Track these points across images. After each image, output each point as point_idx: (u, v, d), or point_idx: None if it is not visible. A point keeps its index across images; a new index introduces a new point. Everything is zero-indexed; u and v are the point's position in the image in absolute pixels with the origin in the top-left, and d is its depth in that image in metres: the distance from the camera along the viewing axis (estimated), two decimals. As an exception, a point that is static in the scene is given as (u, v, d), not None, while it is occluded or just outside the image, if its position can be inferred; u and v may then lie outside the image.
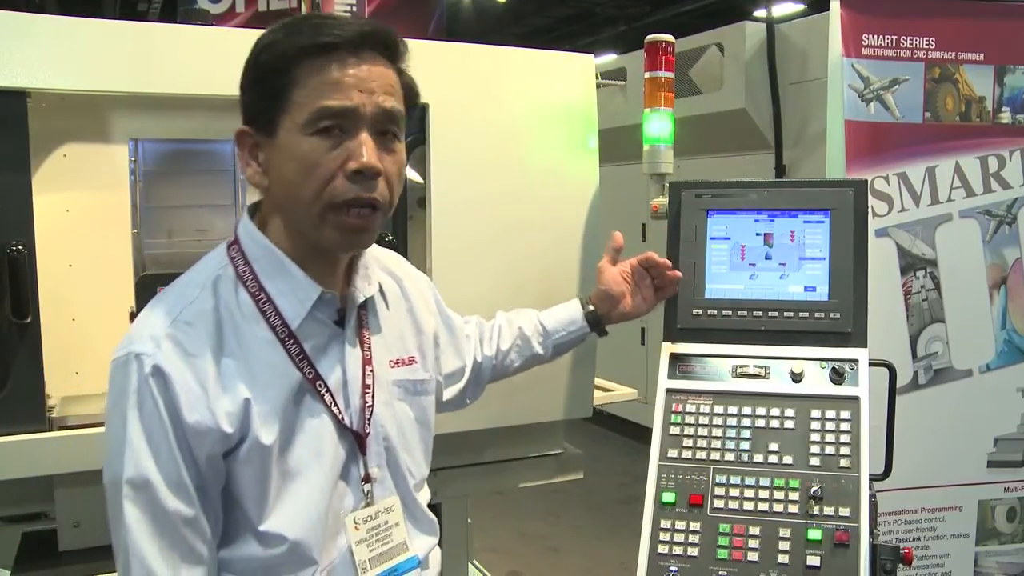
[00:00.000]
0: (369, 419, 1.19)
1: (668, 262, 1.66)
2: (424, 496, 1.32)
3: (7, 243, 1.59)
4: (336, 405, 1.15)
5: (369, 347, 1.22)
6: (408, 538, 1.24)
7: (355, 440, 1.18)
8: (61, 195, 1.85)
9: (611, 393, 2.35)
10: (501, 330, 1.63)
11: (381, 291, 1.28)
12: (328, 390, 1.15)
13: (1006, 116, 2.45)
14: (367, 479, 1.19)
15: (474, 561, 2.64)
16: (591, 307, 1.67)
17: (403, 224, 1.97)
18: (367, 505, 1.19)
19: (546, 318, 1.67)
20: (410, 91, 1.17)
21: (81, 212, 1.89)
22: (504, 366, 1.63)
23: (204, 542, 1.07)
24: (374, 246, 1.34)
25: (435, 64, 1.94)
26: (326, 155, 1.06)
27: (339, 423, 1.15)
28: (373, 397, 1.20)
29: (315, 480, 1.13)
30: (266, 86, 1.08)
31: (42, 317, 1.65)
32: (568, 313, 1.67)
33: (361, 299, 1.21)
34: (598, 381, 2.39)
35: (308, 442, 1.13)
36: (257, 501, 1.09)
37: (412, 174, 2.01)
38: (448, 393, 1.51)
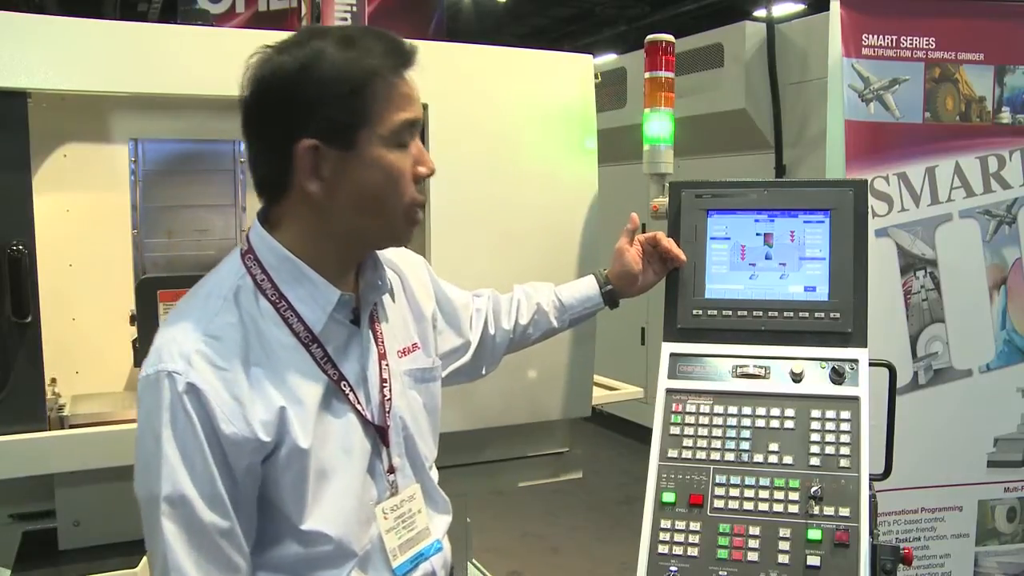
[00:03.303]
0: (388, 412, 1.24)
1: (668, 246, 1.71)
2: (435, 476, 1.38)
3: (8, 243, 1.59)
4: (359, 402, 1.19)
5: (383, 341, 1.27)
6: (429, 522, 1.30)
7: (378, 433, 1.22)
8: (61, 195, 1.85)
9: (616, 392, 2.35)
10: (520, 305, 1.69)
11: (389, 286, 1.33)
12: (352, 389, 1.19)
13: (1006, 116, 2.45)
14: (391, 470, 1.24)
15: (474, 561, 2.64)
16: (609, 286, 1.73)
17: (403, 224, 1.97)
18: (392, 495, 1.24)
19: (564, 294, 1.72)
20: None
21: (81, 212, 1.90)
22: (523, 338, 1.70)
23: (240, 553, 1.10)
24: None
25: (434, 64, 1.93)
26: (406, 163, 1.16)
27: (363, 419, 1.20)
28: (390, 390, 1.25)
29: (347, 476, 1.17)
30: (347, 104, 1.10)
31: (42, 317, 1.65)
32: (585, 290, 1.73)
33: (376, 298, 1.26)
34: (602, 379, 2.39)
35: (338, 441, 1.16)
36: (297, 503, 1.12)
37: (412, 174, 2.01)
38: (452, 367, 1.55)
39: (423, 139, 1.90)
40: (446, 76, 1.95)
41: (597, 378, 2.45)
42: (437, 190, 1.92)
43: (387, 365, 1.25)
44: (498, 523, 4.39)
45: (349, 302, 1.20)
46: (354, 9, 2.40)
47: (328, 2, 2.35)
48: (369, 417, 1.21)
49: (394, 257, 1.40)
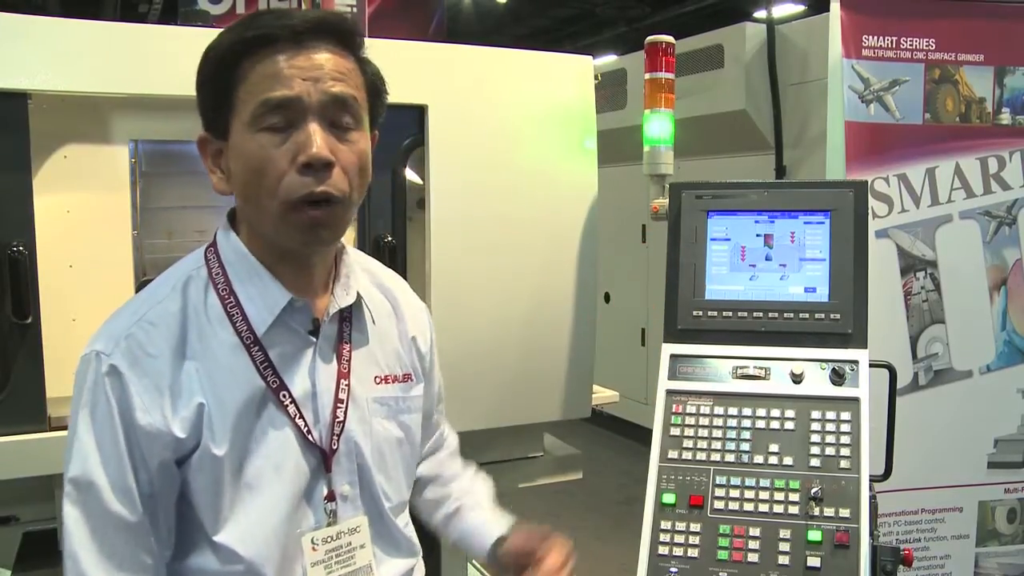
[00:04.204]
0: (339, 435, 1.12)
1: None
2: (403, 519, 1.24)
3: (8, 244, 1.59)
4: (302, 417, 1.09)
5: (348, 360, 1.15)
6: (375, 562, 1.17)
7: (321, 456, 1.11)
8: (62, 196, 1.85)
9: (594, 395, 2.34)
10: (435, 485, 1.39)
11: (366, 304, 1.20)
12: (293, 401, 1.09)
13: (1006, 117, 2.45)
14: (331, 497, 1.12)
15: (473, 561, 2.64)
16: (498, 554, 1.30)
17: (402, 225, 1.98)
18: (329, 525, 1.12)
19: (461, 520, 1.35)
20: (373, 80, 1.11)
21: (82, 213, 1.89)
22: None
23: (147, 551, 1.03)
24: (373, 262, 1.30)
25: (434, 65, 1.95)
26: (275, 151, 1.01)
27: (304, 437, 1.09)
28: (346, 412, 1.13)
29: (273, 494, 1.07)
30: (213, 88, 1.05)
31: (43, 317, 1.65)
32: (478, 538, 1.33)
33: (336, 309, 1.14)
34: None
35: (268, 454, 1.07)
36: (211, 511, 1.05)
37: (411, 175, 2.01)
38: None
39: (423, 140, 1.93)
40: (446, 77, 1.95)
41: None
42: (437, 192, 1.92)
43: (347, 385, 1.14)
44: (498, 524, 4.39)
45: (305, 310, 1.11)
46: (354, 10, 2.40)
47: (328, 4, 2.35)
48: (313, 437, 1.10)
49: (391, 285, 1.29)
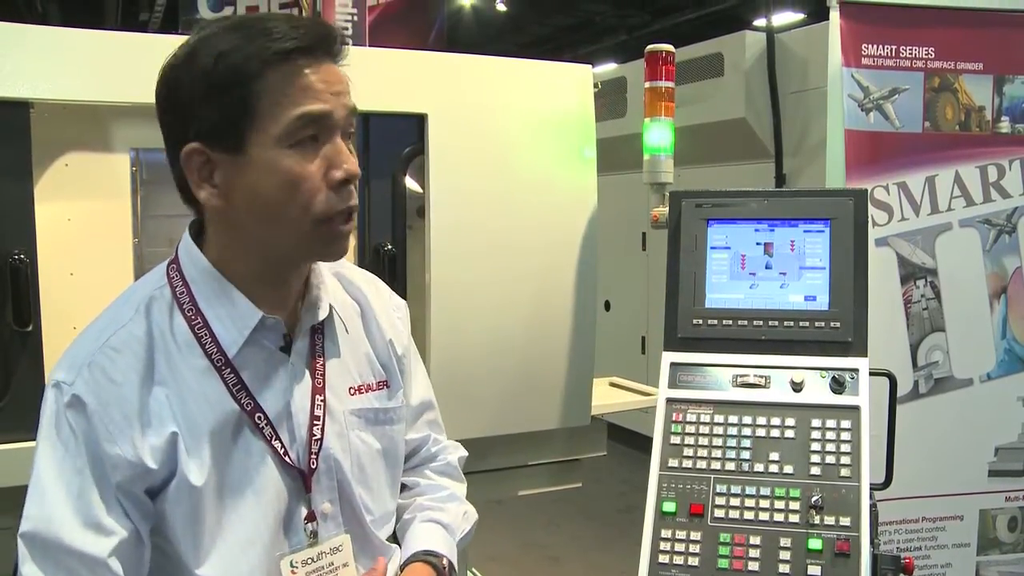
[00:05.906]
0: (317, 453, 1.10)
1: None
2: (386, 531, 1.22)
3: (9, 252, 1.60)
4: (278, 439, 1.07)
5: (322, 374, 1.12)
6: None
7: (300, 476, 1.09)
8: (63, 204, 1.86)
9: (649, 398, 2.35)
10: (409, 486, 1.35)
11: (337, 315, 1.18)
12: (269, 423, 1.06)
13: (1005, 125, 2.46)
14: (311, 518, 1.10)
15: (473, 570, 2.63)
16: None
17: (402, 234, 1.98)
18: (311, 545, 1.10)
19: (411, 537, 1.26)
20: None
21: (82, 221, 1.90)
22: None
23: None
24: (344, 264, 1.27)
25: (434, 74, 1.95)
26: (309, 167, 0.99)
27: (281, 459, 1.07)
28: (323, 429, 1.10)
29: (255, 521, 1.05)
30: (228, 98, 0.97)
31: (43, 325, 1.65)
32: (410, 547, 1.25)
33: (308, 324, 1.12)
34: (621, 381, 2.42)
35: (247, 481, 1.04)
36: (192, 544, 1.01)
37: (411, 184, 2.02)
38: None
39: (423, 149, 1.93)
40: (446, 86, 1.96)
41: (619, 380, 2.46)
42: (437, 200, 1.92)
43: (322, 401, 1.11)
44: (498, 532, 4.38)
45: (276, 326, 1.08)
46: (355, 18, 2.41)
47: (329, 9, 2.36)
48: (290, 457, 1.07)
49: (364, 288, 1.25)
